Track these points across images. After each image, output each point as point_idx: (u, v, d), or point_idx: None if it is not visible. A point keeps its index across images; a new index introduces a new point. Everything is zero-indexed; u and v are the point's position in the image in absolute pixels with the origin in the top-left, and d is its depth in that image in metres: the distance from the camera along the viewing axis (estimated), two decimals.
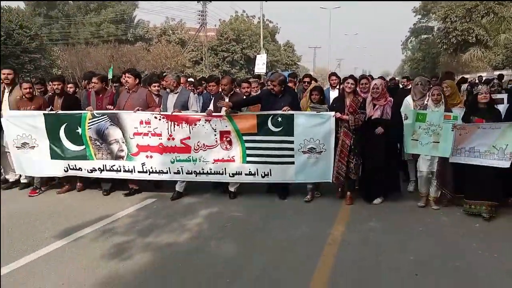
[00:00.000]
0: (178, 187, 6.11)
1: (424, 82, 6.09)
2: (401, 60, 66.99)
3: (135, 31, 46.37)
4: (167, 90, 6.26)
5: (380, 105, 5.54)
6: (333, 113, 5.55)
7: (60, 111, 6.12)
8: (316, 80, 8.00)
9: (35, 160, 6.20)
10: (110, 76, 8.31)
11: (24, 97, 6.25)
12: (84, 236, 4.69)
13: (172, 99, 6.11)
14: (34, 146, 6.16)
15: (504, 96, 5.96)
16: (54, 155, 6.14)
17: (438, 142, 5.35)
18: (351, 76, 6.16)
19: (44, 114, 6.06)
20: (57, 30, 44.52)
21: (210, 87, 6.72)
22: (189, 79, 8.80)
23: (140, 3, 49.52)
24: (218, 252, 4.26)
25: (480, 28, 31.01)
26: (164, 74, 7.79)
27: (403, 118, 5.49)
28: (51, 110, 6.15)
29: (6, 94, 6.47)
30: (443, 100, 5.47)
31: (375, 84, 5.63)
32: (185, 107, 6.05)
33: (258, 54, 27.47)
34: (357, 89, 5.85)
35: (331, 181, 5.74)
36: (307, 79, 7.89)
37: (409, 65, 53.13)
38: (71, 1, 48.03)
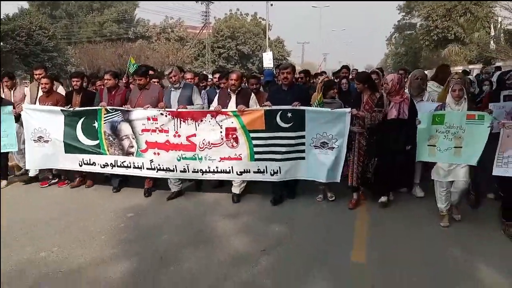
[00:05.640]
0: (175, 187, 5.77)
1: (424, 76, 5.20)
2: (384, 54, 66.69)
3: (135, 29, 45.82)
4: (170, 86, 5.70)
5: (395, 103, 4.72)
6: (349, 109, 4.91)
7: (77, 108, 5.98)
8: (322, 74, 7.54)
9: (49, 153, 6.09)
10: (131, 70, 7.48)
11: (42, 92, 6.14)
12: None
13: (175, 94, 5.61)
14: (48, 140, 6.06)
15: None
16: (68, 150, 6.02)
17: (461, 147, 4.25)
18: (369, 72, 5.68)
19: (61, 110, 5.95)
20: (61, 29, 43.95)
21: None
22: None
23: (140, 2, 48.63)
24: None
25: (458, 26, 31.45)
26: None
27: (416, 123, 4.55)
28: (70, 107, 6.01)
29: (40, 91, 6.27)
30: (465, 97, 4.32)
31: (386, 79, 4.92)
32: (190, 101, 5.62)
33: (262, 52, 32.26)
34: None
35: (338, 181, 5.12)
36: (301, 75, 7.47)
37: (392, 59, 53.00)
38: (73, 1, 47.32)
